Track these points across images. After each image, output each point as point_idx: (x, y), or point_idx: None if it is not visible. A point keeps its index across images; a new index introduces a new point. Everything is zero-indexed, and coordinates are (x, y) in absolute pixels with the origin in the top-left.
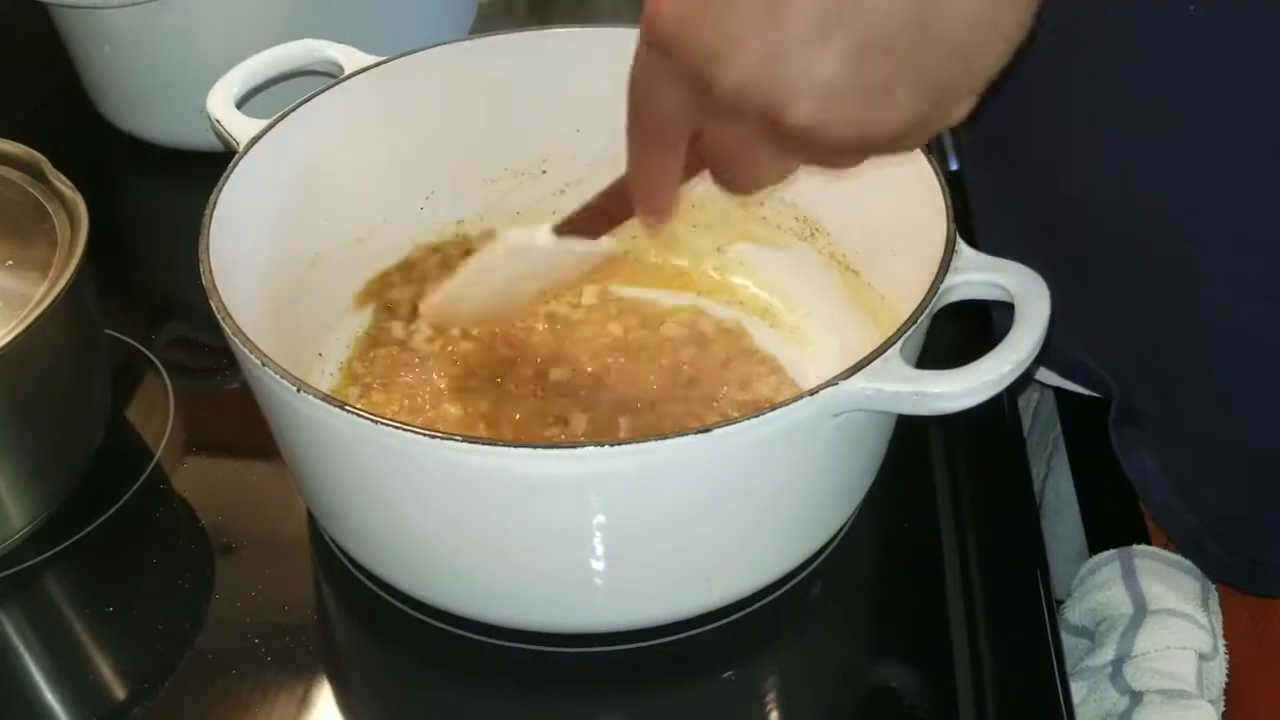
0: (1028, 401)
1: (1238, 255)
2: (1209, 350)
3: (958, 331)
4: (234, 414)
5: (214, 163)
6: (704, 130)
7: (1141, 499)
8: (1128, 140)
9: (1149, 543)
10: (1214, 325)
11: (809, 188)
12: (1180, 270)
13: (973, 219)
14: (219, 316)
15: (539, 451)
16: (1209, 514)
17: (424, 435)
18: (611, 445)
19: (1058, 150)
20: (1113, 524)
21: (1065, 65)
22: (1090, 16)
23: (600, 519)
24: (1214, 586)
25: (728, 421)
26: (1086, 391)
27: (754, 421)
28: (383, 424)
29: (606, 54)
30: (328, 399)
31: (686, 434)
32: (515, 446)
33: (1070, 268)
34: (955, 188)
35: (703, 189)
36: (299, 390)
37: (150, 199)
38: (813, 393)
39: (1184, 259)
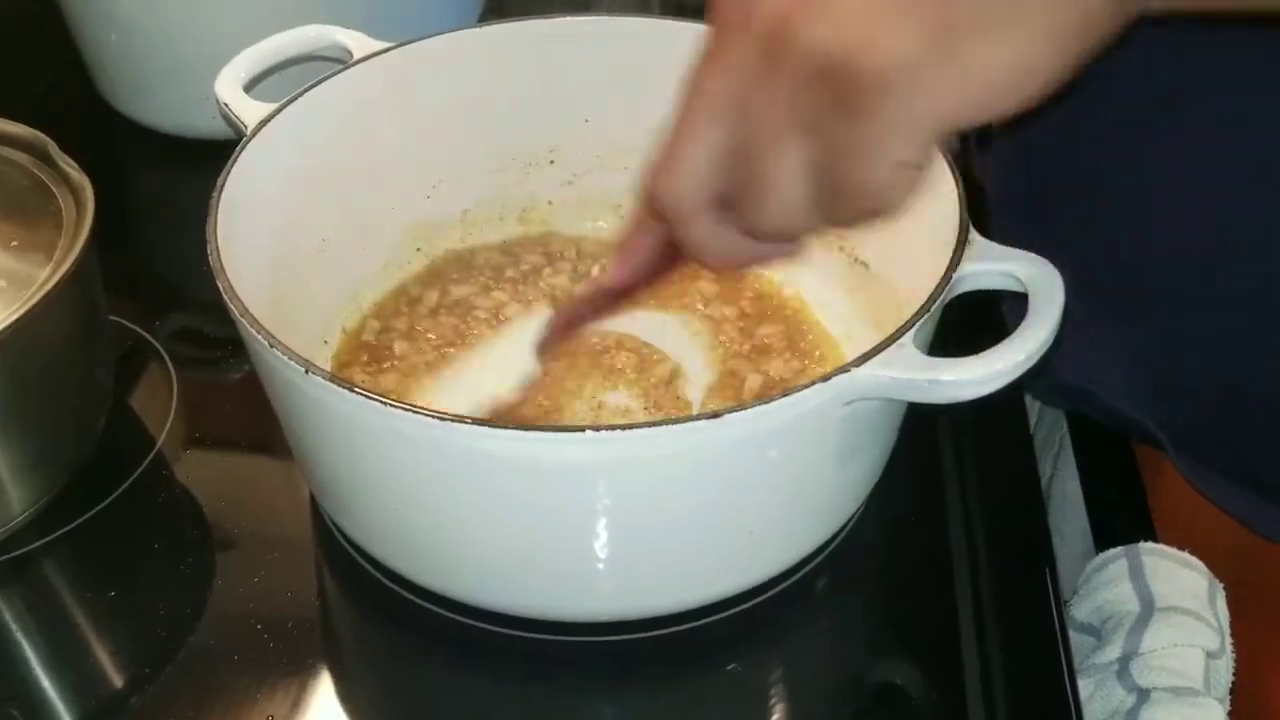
0: (1033, 401)
1: None
2: None
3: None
4: (237, 404)
5: (218, 151)
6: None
7: (1244, 524)
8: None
9: (1156, 541)
10: None
11: None
12: (1253, 300)
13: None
14: (226, 297)
15: (549, 435)
16: None
17: (433, 417)
18: (620, 429)
19: (1114, 195)
20: (1119, 525)
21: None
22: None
23: (607, 504)
24: (1221, 585)
25: (738, 406)
26: None
27: (765, 407)
28: (392, 406)
29: (616, 44)
30: (336, 380)
31: (698, 418)
32: (524, 429)
33: (1114, 313)
34: (967, 176)
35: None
36: (307, 372)
37: (154, 187)
38: (825, 379)
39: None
